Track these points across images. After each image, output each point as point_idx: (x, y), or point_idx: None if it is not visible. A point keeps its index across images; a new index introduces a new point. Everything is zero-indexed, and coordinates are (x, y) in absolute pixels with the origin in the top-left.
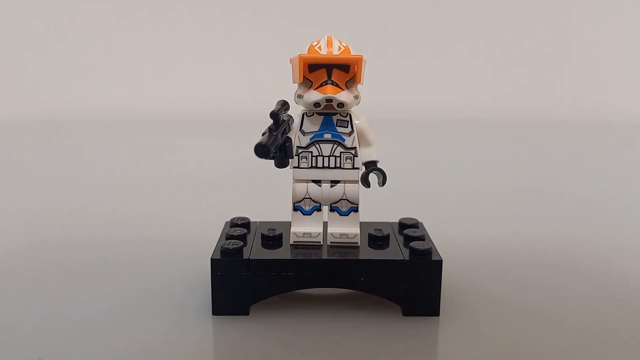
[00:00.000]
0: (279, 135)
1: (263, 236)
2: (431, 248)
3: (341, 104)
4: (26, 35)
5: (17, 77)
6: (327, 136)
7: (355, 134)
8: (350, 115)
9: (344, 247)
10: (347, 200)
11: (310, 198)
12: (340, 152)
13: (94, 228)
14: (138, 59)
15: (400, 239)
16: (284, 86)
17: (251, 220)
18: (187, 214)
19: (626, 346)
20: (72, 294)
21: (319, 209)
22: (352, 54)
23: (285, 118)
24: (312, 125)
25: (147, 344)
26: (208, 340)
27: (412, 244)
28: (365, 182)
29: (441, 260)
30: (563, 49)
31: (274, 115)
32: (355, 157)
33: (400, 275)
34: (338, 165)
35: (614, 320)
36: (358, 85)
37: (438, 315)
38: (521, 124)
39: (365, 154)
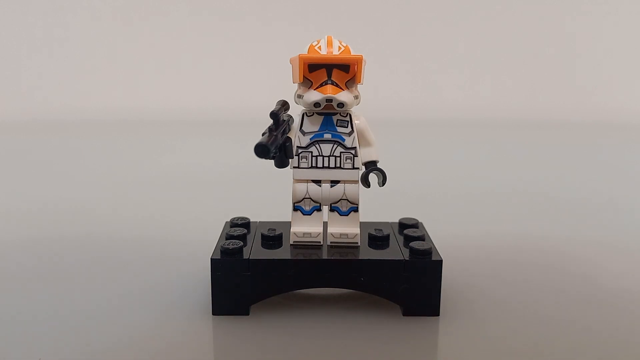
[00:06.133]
0: (279, 135)
1: (263, 236)
2: (431, 248)
3: (341, 104)
4: (26, 36)
5: (17, 77)
6: (327, 136)
7: (355, 134)
8: (350, 115)
9: (344, 247)
10: (347, 200)
11: (310, 198)
12: (340, 152)
13: (93, 228)
14: (138, 59)
15: (400, 239)
16: (284, 86)
17: (251, 220)
18: (187, 214)
19: (625, 346)
20: (72, 294)
21: (319, 209)
22: (352, 54)
23: (285, 118)
24: (312, 125)
25: (147, 343)
26: (208, 340)
27: (412, 244)
28: (365, 182)
29: (441, 260)
30: (564, 49)
31: (274, 115)
32: (355, 157)
33: (400, 275)
34: (338, 165)
35: (613, 321)
36: (358, 85)
37: (438, 315)
38: (521, 124)
39: (365, 154)
